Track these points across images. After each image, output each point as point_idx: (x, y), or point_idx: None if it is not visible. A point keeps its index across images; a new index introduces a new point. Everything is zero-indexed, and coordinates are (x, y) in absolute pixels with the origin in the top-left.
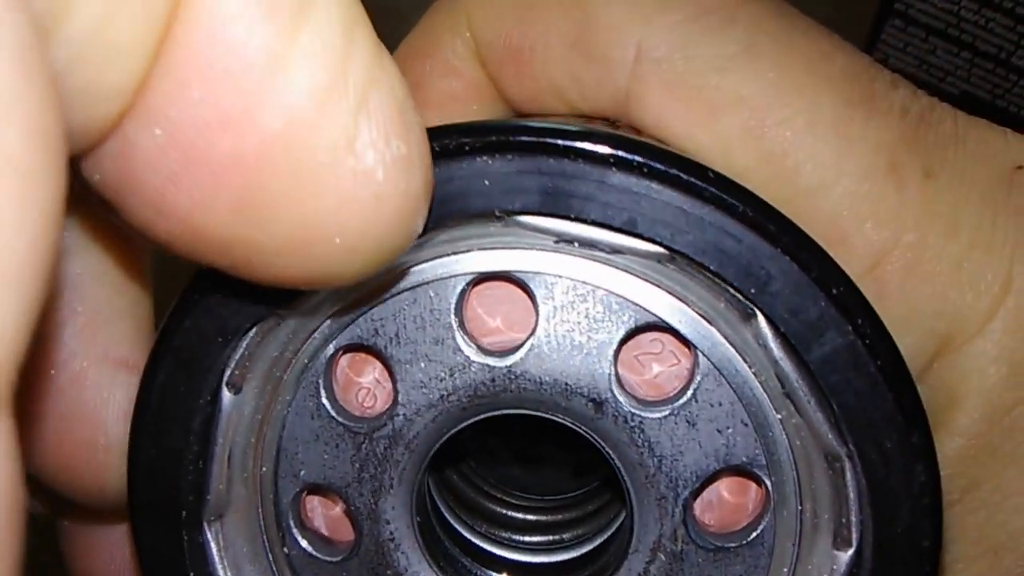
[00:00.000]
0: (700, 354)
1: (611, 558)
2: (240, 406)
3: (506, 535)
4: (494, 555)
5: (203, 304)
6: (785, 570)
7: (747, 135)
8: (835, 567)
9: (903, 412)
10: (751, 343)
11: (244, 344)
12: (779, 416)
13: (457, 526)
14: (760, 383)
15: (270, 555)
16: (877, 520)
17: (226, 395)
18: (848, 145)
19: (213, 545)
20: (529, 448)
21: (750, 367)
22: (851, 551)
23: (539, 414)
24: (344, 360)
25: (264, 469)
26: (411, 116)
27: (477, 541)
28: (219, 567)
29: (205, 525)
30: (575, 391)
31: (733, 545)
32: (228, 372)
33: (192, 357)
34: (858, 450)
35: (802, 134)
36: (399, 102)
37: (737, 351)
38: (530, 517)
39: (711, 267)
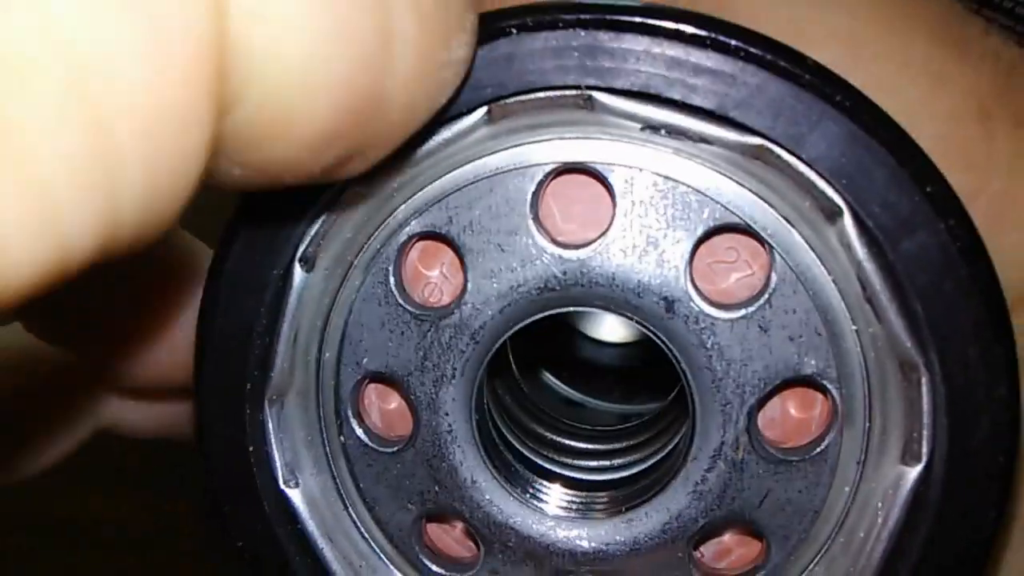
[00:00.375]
0: (778, 257)
1: (668, 468)
2: (310, 285)
3: (559, 457)
4: (547, 469)
5: None
6: (847, 488)
7: (838, 70)
8: (902, 483)
9: (991, 321)
10: (833, 246)
11: (319, 221)
12: (855, 327)
13: (511, 438)
14: (838, 291)
15: (326, 442)
16: (952, 434)
17: (298, 271)
18: (939, 87)
19: (271, 424)
20: (581, 379)
21: (829, 273)
22: (920, 466)
23: (608, 311)
24: (414, 251)
25: (327, 355)
26: None
27: (530, 455)
28: (275, 447)
29: (266, 404)
30: (647, 288)
31: (795, 459)
32: (302, 248)
33: (268, 229)
34: (939, 359)
35: (894, 72)
36: None
37: (817, 256)
38: (583, 445)
39: (804, 157)
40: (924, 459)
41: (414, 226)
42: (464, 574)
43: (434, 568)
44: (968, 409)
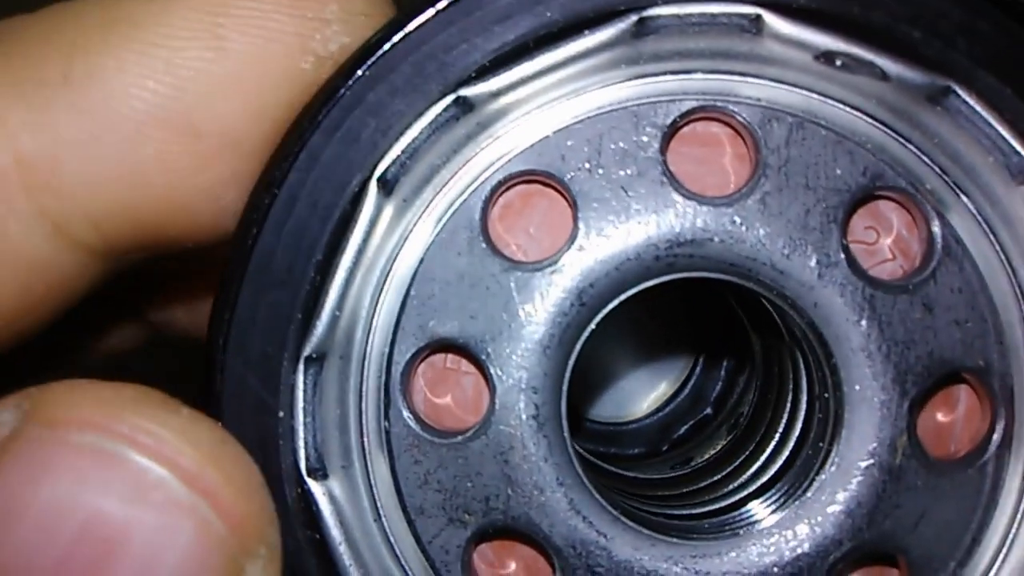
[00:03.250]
0: (944, 228)
1: (798, 479)
2: (383, 216)
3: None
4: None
5: (370, 78)
6: (1011, 506)
7: None
8: None
9: None
10: (1013, 214)
11: (409, 135)
12: (1022, 314)
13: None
14: (1009, 269)
15: (364, 427)
16: None
17: (373, 193)
18: None
19: (303, 391)
20: None
21: (1000, 248)
22: None
23: (743, 282)
24: (512, 194)
25: (382, 312)
26: None
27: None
28: (302, 422)
29: (302, 363)
30: (797, 249)
31: (955, 471)
32: (384, 165)
33: (347, 136)
34: None
35: None
36: None
37: (988, 227)
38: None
39: (999, 103)
40: None
41: (515, 163)
42: None
43: None
44: None
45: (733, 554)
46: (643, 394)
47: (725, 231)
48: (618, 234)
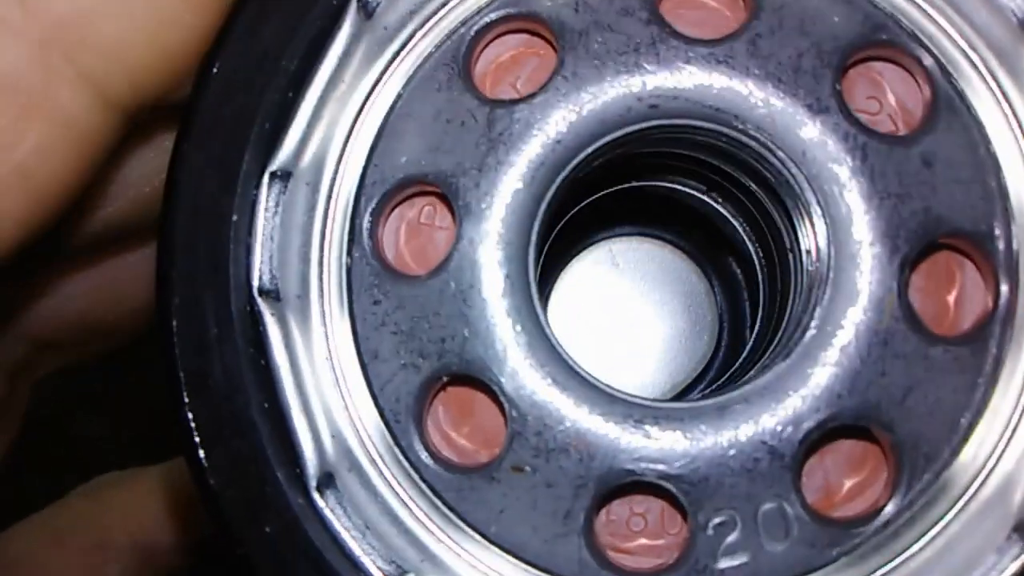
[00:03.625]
0: (950, 84)
1: (782, 341)
2: (363, 38)
3: None
4: None
5: None
6: (1016, 389)
7: None
8: None
9: None
10: (1022, 70)
11: None
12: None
13: None
14: (1016, 133)
15: (324, 256)
16: None
17: (353, 9)
18: None
19: (264, 207)
20: None
21: (1010, 111)
22: None
23: (727, 129)
24: (505, 54)
25: (355, 145)
26: None
27: None
28: (259, 239)
29: (266, 178)
30: (788, 91)
31: (951, 344)
32: None
33: None
34: None
35: None
36: None
37: (997, 87)
38: None
39: None
40: None
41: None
42: (472, 473)
43: (432, 465)
44: None
45: (700, 419)
46: None
47: (711, 72)
48: (600, 74)
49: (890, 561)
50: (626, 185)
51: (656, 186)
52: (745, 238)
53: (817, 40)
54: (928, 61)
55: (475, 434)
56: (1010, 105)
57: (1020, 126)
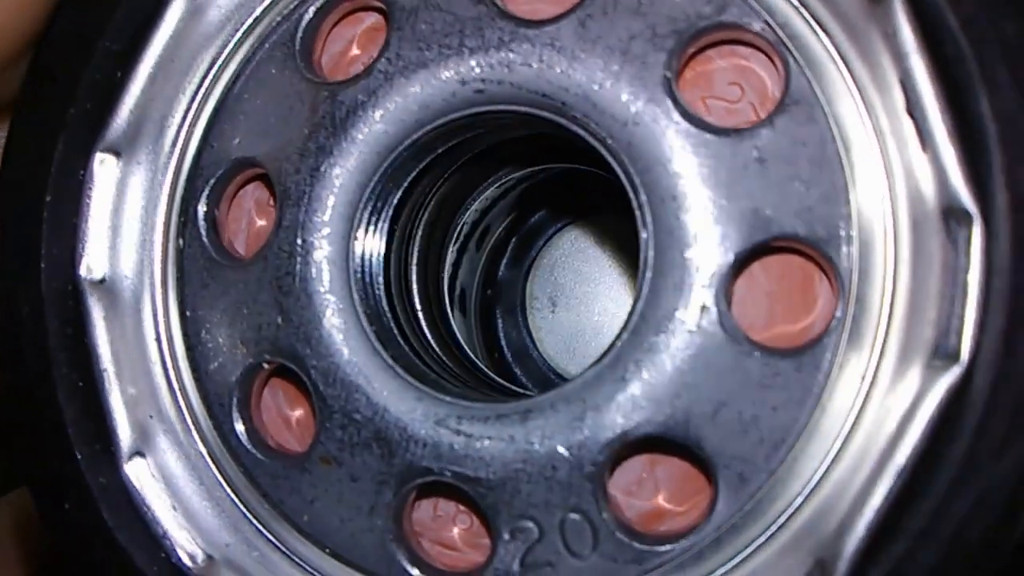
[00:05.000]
0: (795, 69)
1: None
2: (200, 18)
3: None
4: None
5: None
6: (847, 406)
7: None
8: (927, 395)
9: None
10: (872, 47)
11: None
12: (883, 164)
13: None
14: (865, 113)
15: (157, 239)
16: (1011, 322)
17: None
18: None
19: (91, 183)
20: None
21: (857, 91)
22: (957, 370)
23: (554, 116)
24: (356, 21)
25: (190, 132)
26: None
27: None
28: (90, 210)
29: (95, 156)
30: (614, 77)
31: (775, 355)
32: None
33: None
34: (1009, 202)
35: None
36: None
37: (845, 67)
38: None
39: None
40: (964, 360)
41: None
42: (287, 462)
43: (252, 450)
44: None
45: (503, 422)
46: None
47: (537, 56)
48: (423, 57)
49: None
50: (545, 167)
51: (577, 168)
52: None
53: (653, 22)
54: (778, 45)
55: (307, 422)
56: (862, 95)
57: (877, 126)
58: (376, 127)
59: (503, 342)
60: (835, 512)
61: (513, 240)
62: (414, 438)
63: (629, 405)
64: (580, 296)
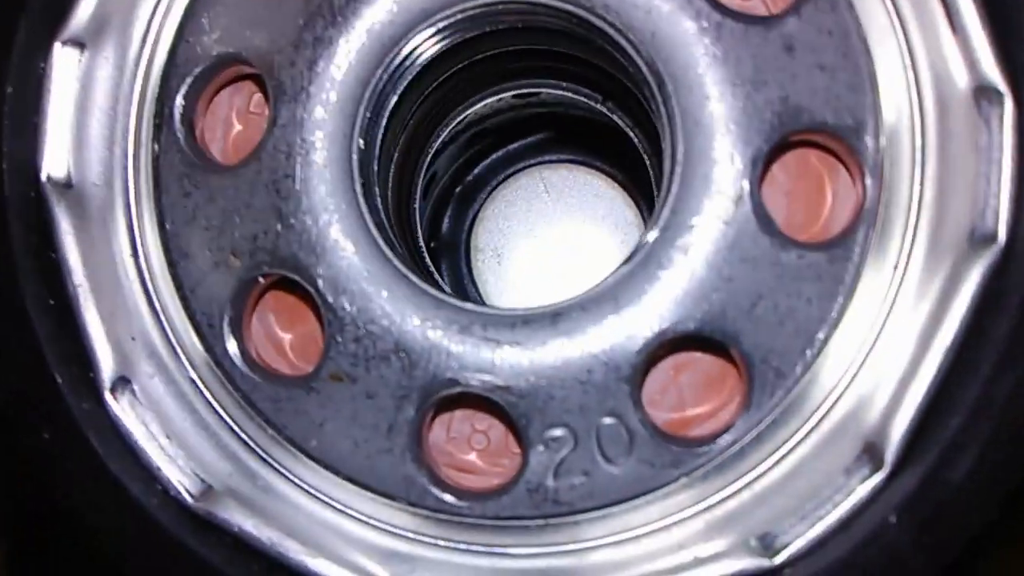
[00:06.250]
0: None
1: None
2: None
3: None
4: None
5: None
6: (879, 296)
7: None
8: (965, 277)
9: None
10: None
11: None
12: (908, 53)
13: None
14: (893, 19)
15: (129, 143)
16: None
17: None
18: None
19: (52, 77)
20: None
21: None
22: (996, 249)
23: (578, 10)
24: None
25: (165, 25)
26: None
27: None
28: (51, 114)
29: (56, 47)
30: None
31: (807, 249)
32: None
33: None
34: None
35: None
36: None
37: None
38: None
39: None
40: (1002, 239)
41: None
42: (290, 384)
43: (248, 373)
44: None
45: (532, 326)
46: None
47: None
48: None
49: (733, 483)
50: (520, 90)
51: (553, 95)
52: (643, 151)
53: None
54: None
55: (303, 342)
56: None
57: (898, 12)
58: (379, 19)
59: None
60: (878, 397)
61: (457, 189)
62: (437, 347)
63: (665, 302)
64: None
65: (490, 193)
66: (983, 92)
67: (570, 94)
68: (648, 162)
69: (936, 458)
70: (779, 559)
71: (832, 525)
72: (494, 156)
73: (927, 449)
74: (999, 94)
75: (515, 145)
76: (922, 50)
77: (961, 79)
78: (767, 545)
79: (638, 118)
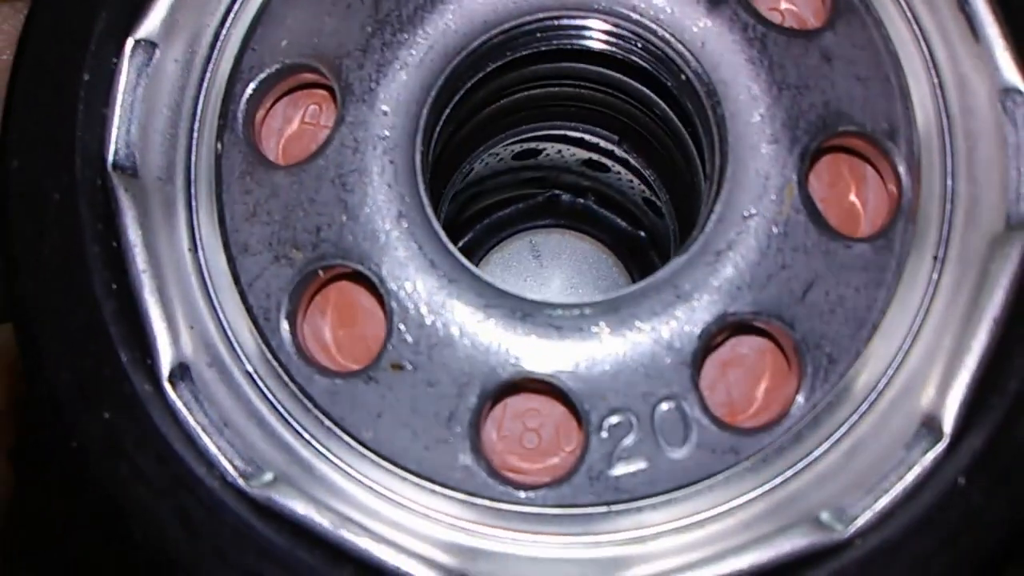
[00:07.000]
0: None
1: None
2: None
3: None
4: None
5: None
6: (922, 281)
7: None
8: (1008, 254)
9: None
10: None
11: None
12: (932, 65)
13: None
14: (911, 16)
15: (194, 140)
16: None
17: None
18: None
19: (123, 72)
20: None
21: (910, 12)
22: None
23: (628, 26)
24: None
25: (234, 29)
26: None
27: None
28: (120, 105)
29: (129, 44)
30: None
31: (858, 241)
32: None
33: None
34: None
35: None
36: None
37: None
38: None
39: None
40: None
41: None
42: (347, 375)
43: (303, 366)
44: None
45: (595, 312)
46: None
47: None
48: None
49: (794, 465)
50: (537, 133)
51: (568, 136)
52: (652, 192)
53: None
54: None
55: (351, 342)
56: (909, 5)
57: (920, 27)
58: (444, 26)
59: None
60: (931, 374)
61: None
62: (500, 335)
63: (722, 289)
64: None
65: (482, 258)
66: (1007, 93)
67: (583, 135)
68: (648, 211)
69: (1001, 418)
70: (851, 530)
71: (899, 495)
72: (487, 220)
73: (989, 413)
74: (1022, 94)
75: (508, 211)
76: (945, 59)
77: (984, 83)
78: (837, 518)
79: (652, 158)
